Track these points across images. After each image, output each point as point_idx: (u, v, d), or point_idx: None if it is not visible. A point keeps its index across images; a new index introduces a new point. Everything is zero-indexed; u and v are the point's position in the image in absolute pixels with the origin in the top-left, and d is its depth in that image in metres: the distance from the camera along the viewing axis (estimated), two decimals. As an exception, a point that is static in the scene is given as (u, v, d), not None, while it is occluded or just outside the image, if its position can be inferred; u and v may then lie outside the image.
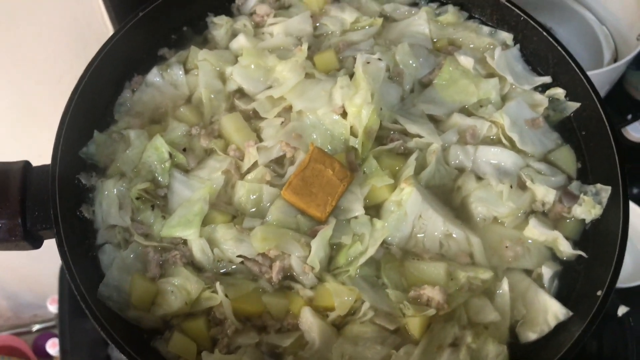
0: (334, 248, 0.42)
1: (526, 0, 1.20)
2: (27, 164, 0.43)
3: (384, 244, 0.42)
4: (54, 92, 1.19)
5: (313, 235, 0.42)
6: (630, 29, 1.01)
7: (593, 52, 1.11)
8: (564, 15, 1.14)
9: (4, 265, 1.61)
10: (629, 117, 1.14)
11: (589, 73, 0.91)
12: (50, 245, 1.49)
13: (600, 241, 0.42)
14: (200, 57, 0.48)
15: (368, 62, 0.46)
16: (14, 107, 1.18)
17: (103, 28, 1.05)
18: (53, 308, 1.67)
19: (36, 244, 0.43)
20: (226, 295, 0.39)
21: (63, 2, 1.00)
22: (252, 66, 0.48)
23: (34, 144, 1.25)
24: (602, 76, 0.91)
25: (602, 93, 0.99)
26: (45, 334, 1.82)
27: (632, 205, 1.04)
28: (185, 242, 0.42)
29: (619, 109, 1.19)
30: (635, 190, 1.14)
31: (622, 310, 0.87)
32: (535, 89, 0.50)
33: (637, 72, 1.14)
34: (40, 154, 1.20)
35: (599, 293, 0.39)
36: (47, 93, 1.18)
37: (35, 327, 1.83)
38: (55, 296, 1.63)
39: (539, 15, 1.18)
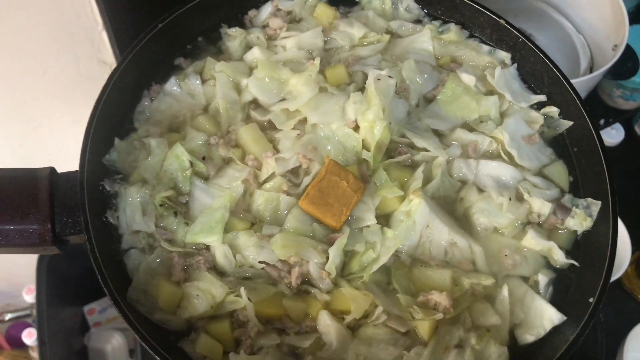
0: (348, 255, 0.45)
1: (507, 8, 1.23)
2: (53, 170, 0.44)
3: (396, 252, 0.45)
4: (39, 85, 1.19)
5: (329, 243, 0.44)
6: (607, 39, 1.05)
7: (570, 59, 1.14)
8: (544, 23, 1.17)
9: (-23, 255, 1.57)
10: (602, 122, 1.18)
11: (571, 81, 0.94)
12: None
13: (591, 251, 0.46)
14: (217, 68, 0.50)
15: (379, 79, 0.49)
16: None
17: (92, 22, 1.04)
18: (29, 298, 1.66)
19: (63, 248, 0.44)
20: (249, 299, 0.42)
21: (53, -4, 0.98)
22: (267, 79, 0.50)
23: (17, 135, 1.24)
24: (580, 85, 0.94)
25: (580, 100, 1.02)
26: (18, 323, 1.80)
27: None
28: (207, 247, 0.44)
29: (593, 114, 1.23)
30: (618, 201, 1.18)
31: (593, 306, 0.90)
32: (531, 106, 0.54)
33: (611, 81, 1.18)
34: (22, 143, 1.19)
35: (590, 300, 0.42)
36: (32, 85, 1.17)
37: (8, 316, 1.81)
38: (32, 286, 1.62)
39: (519, 22, 1.22)
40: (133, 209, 0.44)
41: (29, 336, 1.62)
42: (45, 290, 1.56)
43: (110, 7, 0.96)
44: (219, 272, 0.44)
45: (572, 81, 0.96)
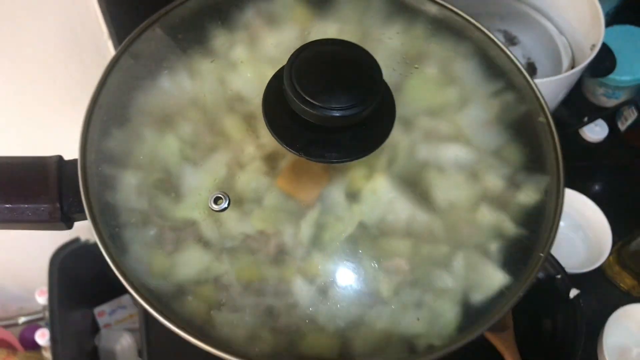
0: (320, 227, 0.51)
1: (493, 11, 1.29)
2: (60, 157, 0.51)
3: (362, 224, 0.51)
4: (50, 93, 1.25)
5: (303, 216, 0.50)
6: (585, 39, 1.09)
7: (553, 59, 1.19)
8: (527, 25, 1.21)
9: (-8, 259, 1.63)
10: (586, 119, 1.22)
11: (550, 79, 1.00)
12: (38, 237, 1.55)
13: (540, 221, 0.51)
14: (203, 65, 0.56)
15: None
16: (9, 107, 1.22)
17: (97, 30, 1.10)
18: (41, 299, 1.70)
19: (69, 224, 0.50)
20: (231, 266, 0.47)
21: (58, 4, 1.04)
22: (249, 74, 0.56)
23: (30, 140, 1.30)
24: (559, 82, 0.99)
25: (561, 96, 1.08)
26: (32, 327, 1.85)
27: (587, 200, 1.12)
28: (194, 222, 0.50)
29: (578, 112, 1.27)
30: (596, 188, 1.22)
31: (573, 292, 0.95)
32: (491, 92, 0.59)
33: (594, 81, 1.22)
34: (35, 148, 1.26)
35: (539, 256, 0.48)
36: (44, 94, 1.23)
37: (22, 320, 1.86)
38: (44, 288, 1.68)
39: (505, 25, 1.27)
40: (129, 190, 0.50)
41: (42, 336, 1.66)
42: (57, 291, 1.61)
43: (114, 16, 1.01)
44: (205, 243, 0.49)
45: (553, 78, 1.01)
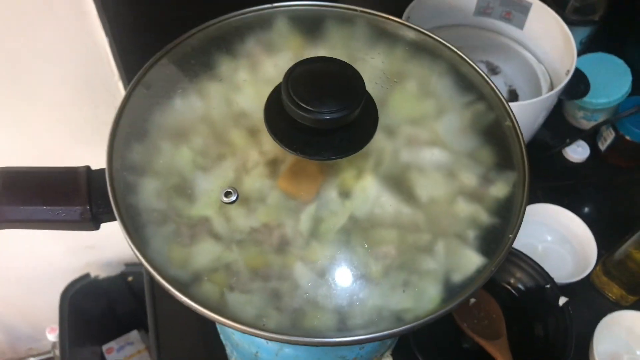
0: (317, 220, 0.57)
1: (476, 44, 1.38)
2: (89, 167, 0.58)
3: (353, 217, 0.57)
4: (65, 132, 1.32)
5: (301, 211, 0.57)
6: (561, 65, 1.17)
7: (533, 85, 1.27)
8: (508, 56, 1.30)
9: (2, 299, 1.69)
10: (567, 140, 1.29)
11: (529, 101, 1.08)
12: (47, 273, 1.61)
13: (510, 210, 0.58)
14: (211, 89, 0.64)
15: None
16: (26, 149, 1.30)
17: (109, 72, 1.18)
18: (52, 337, 1.73)
19: (97, 225, 0.57)
20: (240, 255, 0.54)
21: (75, 51, 1.13)
22: (252, 95, 0.64)
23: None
24: (538, 104, 1.07)
25: (541, 119, 1.16)
26: (40, 366, 1.87)
27: (573, 215, 1.18)
28: (207, 218, 0.57)
29: (560, 134, 1.34)
30: (581, 204, 1.28)
31: (562, 300, 1.00)
32: (464, 103, 0.66)
33: (574, 105, 1.30)
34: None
35: (509, 237, 0.55)
36: (59, 134, 1.30)
37: (30, 360, 1.87)
38: (54, 326, 1.72)
39: (488, 56, 1.36)
40: (149, 194, 0.57)
41: (52, 374, 1.67)
42: (67, 327, 1.65)
43: (124, 59, 1.10)
44: (217, 237, 0.56)
45: (532, 101, 1.10)
